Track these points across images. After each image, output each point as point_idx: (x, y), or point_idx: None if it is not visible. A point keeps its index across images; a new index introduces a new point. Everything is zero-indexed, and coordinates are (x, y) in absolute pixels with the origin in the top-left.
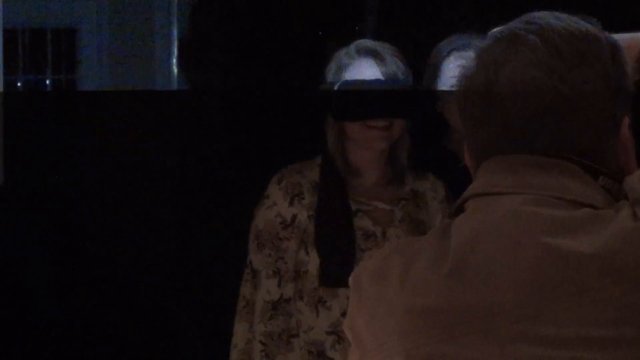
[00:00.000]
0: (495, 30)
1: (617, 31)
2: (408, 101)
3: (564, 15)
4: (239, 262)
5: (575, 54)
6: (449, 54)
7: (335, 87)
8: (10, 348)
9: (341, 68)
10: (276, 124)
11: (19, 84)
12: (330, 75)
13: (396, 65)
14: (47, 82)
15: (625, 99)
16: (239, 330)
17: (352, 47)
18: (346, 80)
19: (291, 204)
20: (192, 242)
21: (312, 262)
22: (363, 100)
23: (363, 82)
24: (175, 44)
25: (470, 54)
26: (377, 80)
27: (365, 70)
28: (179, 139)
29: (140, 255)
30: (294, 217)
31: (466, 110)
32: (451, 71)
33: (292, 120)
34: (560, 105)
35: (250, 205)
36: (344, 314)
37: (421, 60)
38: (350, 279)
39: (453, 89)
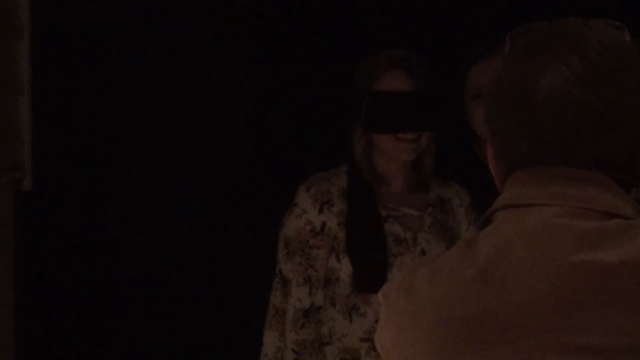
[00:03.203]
0: (523, 37)
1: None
2: (437, 113)
3: (594, 24)
4: (266, 270)
5: (610, 69)
6: (475, 62)
7: (366, 99)
8: (37, 347)
9: (370, 78)
10: (303, 131)
11: None
12: (358, 85)
13: (426, 77)
14: None
15: None
16: (269, 339)
17: (382, 57)
18: (377, 92)
19: (321, 211)
20: (220, 251)
21: (344, 269)
22: (394, 112)
23: (393, 93)
24: None
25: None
26: (407, 93)
27: (395, 81)
28: (204, 145)
29: (167, 267)
30: (324, 224)
31: (498, 124)
32: (477, 80)
33: (319, 128)
34: (596, 122)
35: (275, 214)
36: (377, 321)
37: (449, 70)
38: (380, 294)
39: (479, 98)
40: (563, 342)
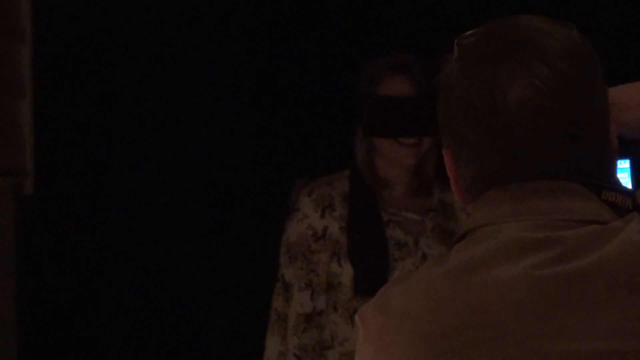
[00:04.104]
0: (473, 40)
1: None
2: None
3: (547, 27)
4: (268, 275)
5: (577, 75)
6: None
7: (368, 103)
8: (39, 349)
9: (372, 82)
10: (305, 135)
11: None
12: (360, 88)
13: (428, 81)
14: None
15: (608, 108)
16: (271, 344)
17: (384, 61)
18: (378, 96)
19: (322, 216)
20: (221, 256)
21: (346, 273)
22: (395, 117)
23: (395, 98)
24: None
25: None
26: (408, 97)
27: (396, 86)
28: (206, 150)
29: (169, 271)
30: (326, 229)
31: (465, 134)
32: None
33: (321, 132)
34: (570, 132)
35: (277, 218)
36: None
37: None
38: (357, 316)
39: None
40: (544, 350)
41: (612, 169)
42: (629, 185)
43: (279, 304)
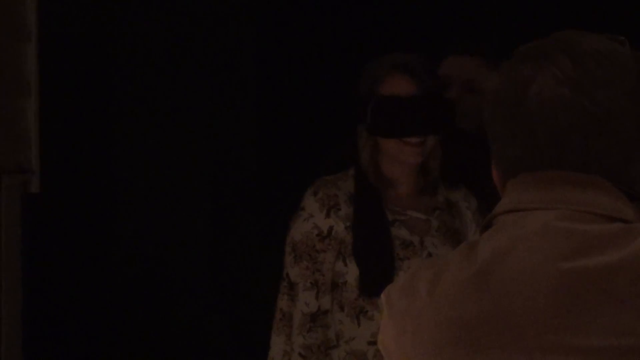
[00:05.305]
0: (522, 47)
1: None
2: (443, 116)
3: (591, 34)
4: (273, 274)
5: (603, 72)
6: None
7: (371, 103)
8: (44, 347)
9: (375, 82)
10: (308, 134)
11: None
12: (364, 88)
13: (431, 80)
14: None
15: None
16: (276, 343)
17: (387, 61)
18: (382, 96)
19: (327, 215)
20: (226, 256)
21: (351, 272)
22: (399, 116)
23: (398, 98)
24: None
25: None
26: (412, 97)
27: (399, 85)
28: (211, 149)
29: (174, 269)
30: (331, 228)
31: (494, 127)
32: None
33: (325, 131)
34: (588, 124)
35: (283, 218)
36: None
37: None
38: (382, 295)
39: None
40: (563, 344)
41: None
42: None
43: (284, 303)
